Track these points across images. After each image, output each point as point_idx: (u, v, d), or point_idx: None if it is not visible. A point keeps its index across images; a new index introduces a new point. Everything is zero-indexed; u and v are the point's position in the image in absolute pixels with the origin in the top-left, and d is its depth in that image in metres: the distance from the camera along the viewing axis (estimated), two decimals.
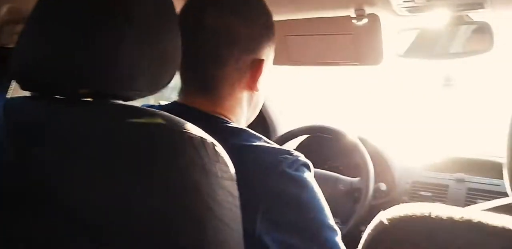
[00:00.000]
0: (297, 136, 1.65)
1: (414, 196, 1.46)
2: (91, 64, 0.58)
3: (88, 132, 0.58)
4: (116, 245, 0.54)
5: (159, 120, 0.57)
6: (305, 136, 1.74)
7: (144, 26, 0.60)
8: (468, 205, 1.35)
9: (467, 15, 1.16)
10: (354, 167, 1.51)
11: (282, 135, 1.64)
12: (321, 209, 0.71)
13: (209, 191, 0.55)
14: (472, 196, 1.37)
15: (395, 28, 1.24)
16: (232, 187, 0.59)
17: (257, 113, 0.89)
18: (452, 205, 1.28)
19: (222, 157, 0.58)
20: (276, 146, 0.74)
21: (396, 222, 0.42)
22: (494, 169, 1.44)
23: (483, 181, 1.38)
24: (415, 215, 0.41)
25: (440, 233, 0.39)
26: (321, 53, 1.28)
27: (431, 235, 0.39)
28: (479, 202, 1.33)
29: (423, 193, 1.45)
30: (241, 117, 0.83)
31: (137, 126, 0.57)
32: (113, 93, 0.62)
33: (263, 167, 0.69)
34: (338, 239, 0.71)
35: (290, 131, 1.64)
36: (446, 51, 1.24)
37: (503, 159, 1.44)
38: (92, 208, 0.54)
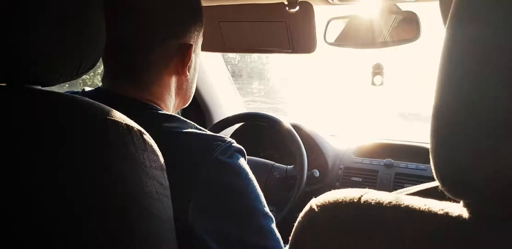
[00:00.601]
0: (232, 124, 1.63)
1: (346, 181, 1.50)
2: (3, 46, 0.53)
3: (4, 120, 0.52)
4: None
5: (80, 107, 0.53)
6: (239, 124, 1.73)
7: (65, 7, 0.55)
8: (396, 189, 1.40)
9: (395, 4, 1.19)
10: (288, 154, 1.52)
11: (217, 123, 1.62)
12: (255, 196, 0.70)
13: (135, 181, 0.52)
14: (399, 181, 1.43)
15: (328, 16, 1.25)
16: (161, 176, 0.56)
17: (188, 101, 0.87)
18: (381, 189, 1.33)
19: (150, 146, 0.55)
20: (208, 132, 0.72)
21: (325, 208, 0.42)
22: (420, 154, 1.51)
23: (410, 166, 1.44)
24: (344, 201, 0.40)
25: (368, 218, 0.38)
26: (254, 39, 1.26)
27: (360, 220, 0.39)
28: (406, 186, 1.39)
29: (354, 178, 1.49)
30: (170, 103, 0.80)
31: (56, 113, 0.53)
32: (29, 77, 0.57)
33: (195, 155, 0.67)
34: (273, 226, 0.71)
35: (225, 119, 1.62)
36: (375, 40, 1.26)
37: (428, 145, 1.50)
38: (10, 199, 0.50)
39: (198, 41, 0.81)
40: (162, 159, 0.57)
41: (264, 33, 1.24)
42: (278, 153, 1.66)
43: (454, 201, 0.36)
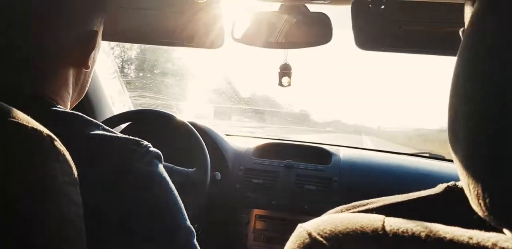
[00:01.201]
0: (118, 124, 1.46)
1: (246, 183, 1.46)
2: None
3: None
4: None
5: None
6: (126, 124, 1.57)
7: None
8: (297, 190, 1.41)
9: (304, 5, 1.17)
10: (184, 155, 1.41)
11: (102, 122, 1.43)
12: (178, 209, 0.64)
13: (46, 200, 0.43)
14: (300, 182, 1.43)
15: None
16: (75, 193, 0.47)
17: (82, 96, 0.77)
18: (282, 190, 1.31)
19: (62, 155, 0.46)
20: (120, 135, 0.63)
21: (338, 241, 0.33)
22: (318, 155, 1.53)
23: (310, 167, 1.45)
24: (363, 232, 0.33)
25: None
26: (156, 30, 1.16)
27: None
28: (307, 187, 1.40)
29: (254, 180, 1.45)
30: (68, 100, 0.71)
31: None
32: None
33: (108, 163, 0.59)
34: (195, 241, 0.66)
35: (112, 117, 1.44)
36: (283, 40, 1.24)
37: (326, 146, 1.51)
38: None
39: (101, 28, 0.73)
40: (75, 172, 0.48)
41: (167, 24, 1.14)
42: (172, 153, 1.54)
43: (490, 229, 0.32)
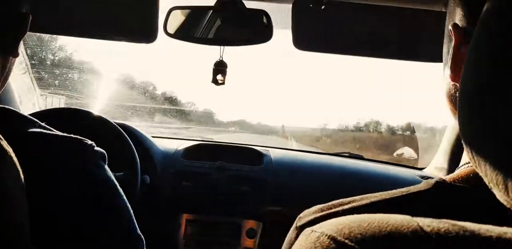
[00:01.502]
0: None
1: (177, 186, 1.39)
2: None
3: None
4: None
5: None
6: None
7: None
8: (230, 192, 1.37)
9: (241, 1, 1.15)
10: (111, 158, 1.30)
11: None
12: (130, 216, 0.60)
13: None
14: (233, 183, 1.40)
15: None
16: (23, 200, 0.44)
17: (3, 89, 0.68)
18: (214, 193, 1.27)
19: (9, 157, 0.42)
20: (60, 133, 0.58)
21: (376, 245, 0.30)
22: (250, 156, 1.51)
23: (242, 169, 1.43)
24: (402, 233, 0.30)
25: None
26: (84, 21, 1.06)
27: None
28: (240, 189, 1.37)
29: (185, 183, 1.39)
30: None
31: None
32: None
33: (53, 165, 0.54)
34: None
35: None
36: (218, 36, 1.20)
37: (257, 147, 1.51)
38: None
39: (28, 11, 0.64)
40: (22, 175, 0.44)
41: (96, 15, 1.05)
42: None
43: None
